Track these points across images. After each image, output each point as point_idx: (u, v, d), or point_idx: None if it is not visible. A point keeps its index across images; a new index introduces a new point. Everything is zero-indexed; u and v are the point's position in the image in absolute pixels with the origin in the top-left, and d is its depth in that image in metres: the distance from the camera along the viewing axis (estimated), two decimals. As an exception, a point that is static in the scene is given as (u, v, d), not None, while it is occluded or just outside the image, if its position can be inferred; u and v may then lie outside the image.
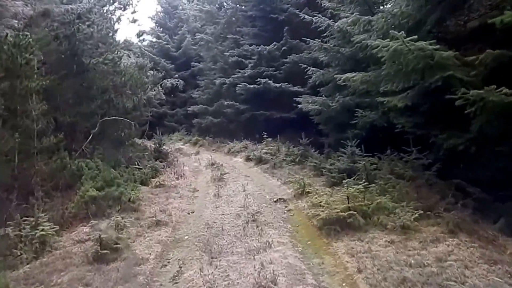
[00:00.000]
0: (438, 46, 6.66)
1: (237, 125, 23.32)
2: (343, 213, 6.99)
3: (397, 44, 6.94)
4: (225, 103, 22.47)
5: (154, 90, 20.39)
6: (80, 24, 12.48)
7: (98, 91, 13.59)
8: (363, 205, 7.12)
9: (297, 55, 20.34)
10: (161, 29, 35.95)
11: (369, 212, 7.06)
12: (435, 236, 6.11)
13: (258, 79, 20.34)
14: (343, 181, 9.39)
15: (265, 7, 21.47)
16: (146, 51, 34.36)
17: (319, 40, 14.00)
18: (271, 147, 17.15)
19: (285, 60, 20.84)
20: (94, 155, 12.43)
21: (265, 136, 18.27)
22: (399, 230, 6.40)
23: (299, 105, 19.17)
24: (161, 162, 16.10)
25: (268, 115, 20.80)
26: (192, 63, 28.81)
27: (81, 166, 10.37)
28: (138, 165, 15.22)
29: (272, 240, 7.01)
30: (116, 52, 14.18)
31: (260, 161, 16.13)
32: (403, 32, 6.79)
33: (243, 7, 23.82)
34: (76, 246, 7.54)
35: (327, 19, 13.65)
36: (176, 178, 14.10)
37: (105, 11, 14.34)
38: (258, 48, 21.27)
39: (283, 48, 21.20)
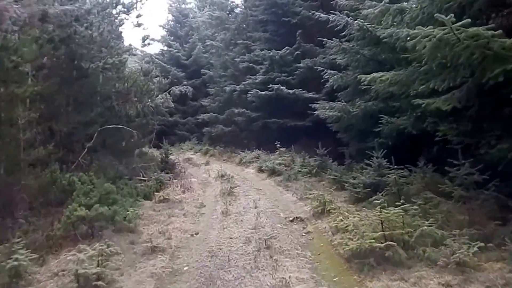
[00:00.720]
0: (497, 32, 5.15)
1: (248, 134, 21.90)
2: (379, 244, 5.44)
3: (443, 32, 5.44)
4: (236, 111, 21.09)
5: (162, 98, 19.07)
6: (77, 26, 11.17)
7: (98, 98, 12.26)
8: (403, 233, 5.56)
9: (311, 60, 18.94)
10: (172, 37, 34.80)
11: (412, 243, 5.49)
12: (503, 277, 4.57)
13: (270, 85, 18.95)
14: (371, 198, 7.97)
15: (277, 10, 20.10)
16: (156, 59, 33.30)
17: (337, 40, 12.43)
18: (285, 158, 15.68)
19: (298, 65, 19.45)
20: (91, 167, 11.05)
21: (278, 145, 16.81)
22: (454, 268, 4.84)
23: (314, 112, 17.70)
24: (167, 173, 14.73)
25: (281, 123, 19.36)
26: (202, 70, 27.53)
27: (73, 180, 8.98)
28: (143, 177, 13.89)
29: (289, 276, 5.52)
30: (118, 57, 12.84)
31: (273, 172, 14.66)
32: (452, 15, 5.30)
33: (254, 11, 22.47)
34: (53, 281, 6.12)
35: (345, 16, 12.13)
36: (182, 191, 12.68)
37: (107, 13, 12.91)
38: (270, 52, 19.89)
39: (296, 52, 19.80)
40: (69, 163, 11.10)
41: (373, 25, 11.33)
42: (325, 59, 18.38)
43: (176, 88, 20.71)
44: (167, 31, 35.57)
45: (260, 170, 15.80)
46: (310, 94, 18.79)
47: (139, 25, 15.33)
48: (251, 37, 22.47)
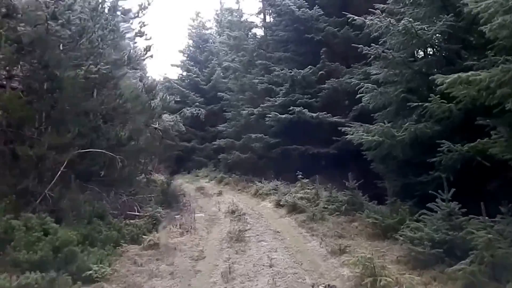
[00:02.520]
0: None
1: (266, 162, 18.83)
2: None
3: None
4: (253, 136, 18.09)
5: (172, 120, 16.30)
6: (53, 24, 8.47)
7: (79, 115, 9.46)
8: None
9: (337, 80, 15.93)
10: (192, 62, 32.40)
11: None
12: None
13: (291, 108, 15.97)
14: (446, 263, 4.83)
15: (299, 26, 17.23)
16: (175, 84, 30.89)
17: (378, 47, 9.40)
18: (308, 191, 12.54)
19: (322, 86, 16.48)
20: (61, 202, 8.14)
21: (299, 176, 13.66)
22: None
23: (340, 138, 14.79)
24: (169, 207, 11.78)
25: (303, 150, 16.25)
26: (219, 93, 24.80)
27: (10, 226, 6.03)
28: (138, 212, 10.94)
29: None
30: (109, 66, 10.09)
31: (294, 209, 11.51)
32: None
33: (275, 30, 19.72)
34: None
35: (386, 18, 9.11)
36: (180, 233, 9.65)
37: (97, 15, 10.21)
38: (291, 72, 16.97)
39: (320, 72, 16.83)
40: (37, 195, 8.24)
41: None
42: (354, 78, 15.43)
43: (187, 110, 17.94)
44: (186, 56, 33.24)
45: (279, 204, 12.66)
46: (335, 118, 15.75)
47: (141, 34, 12.62)
48: (271, 57, 19.66)
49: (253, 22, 22.06)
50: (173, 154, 30.43)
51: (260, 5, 21.86)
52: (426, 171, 8.36)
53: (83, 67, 8.91)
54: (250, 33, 22.13)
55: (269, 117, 16.73)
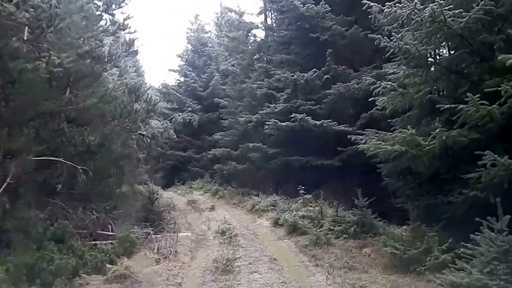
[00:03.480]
0: None
1: (265, 174, 17.24)
2: None
3: None
4: (251, 145, 16.49)
5: (161, 127, 14.76)
6: (5, 4, 6.96)
7: (39, 116, 7.92)
8: None
9: (344, 85, 14.41)
10: (189, 67, 30.91)
11: None
12: None
13: (293, 115, 14.41)
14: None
15: (303, 24, 15.70)
16: (171, 90, 29.41)
17: (398, 36, 7.82)
18: (311, 208, 10.92)
19: (327, 91, 14.93)
20: (7, 220, 6.56)
21: (301, 191, 12.04)
22: None
23: (346, 149, 13.40)
24: (150, 225, 10.15)
25: (305, 162, 14.65)
26: (216, 99, 23.21)
27: None
28: (112, 232, 9.32)
29: None
30: (81, 59, 8.57)
31: (294, 229, 9.91)
32: None
33: (276, 30, 18.24)
34: None
35: (409, 2, 7.56)
36: (157, 259, 8.03)
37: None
38: (293, 76, 15.45)
39: (326, 76, 15.30)
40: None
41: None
42: (364, 81, 13.94)
43: (179, 115, 16.38)
44: (184, 61, 31.73)
45: (277, 223, 11.04)
46: (342, 127, 14.23)
47: (124, 27, 11.09)
48: (272, 60, 18.16)
49: (254, 23, 20.53)
50: (167, 164, 28.95)
51: (261, 4, 20.43)
52: (455, 188, 6.81)
53: (43, 59, 7.36)
54: (250, 35, 20.61)
55: (269, 124, 15.17)
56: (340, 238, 8.93)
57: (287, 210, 11.50)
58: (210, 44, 31.35)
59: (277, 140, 15.92)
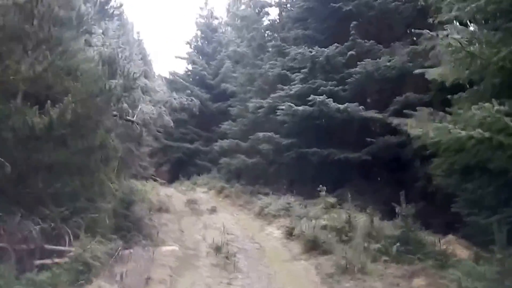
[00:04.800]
0: None
1: (277, 169, 14.50)
2: None
3: None
4: (261, 135, 13.72)
5: (153, 112, 12.15)
6: None
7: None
8: None
9: (373, 61, 11.61)
10: (198, 54, 28.24)
11: None
12: None
13: (311, 98, 11.65)
14: None
15: (324, -7, 12.92)
16: (178, 78, 26.86)
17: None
18: (335, 215, 8.11)
19: (352, 70, 12.10)
20: None
21: (322, 191, 9.25)
22: None
23: (376, 139, 10.78)
24: (122, 236, 7.53)
25: (325, 155, 11.88)
26: (223, 84, 20.48)
27: None
28: (69, 246, 6.78)
29: None
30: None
31: (314, 246, 7.19)
32: None
33: (292, 4, 15.41)
34: None
35: None
36: (114, 294, 5.44)
37: None
38: (311, 52, 12.67)
39: (350, 52, 12.51)
40: None
41: None
42: (397, 61, 11.24)
43: (175, 99, 13.70)
44: (193, 48, 29.05)
45: (290, 234, 8.31)
46: (371, 112, 11.44)
47: None
48: (286, 38, 15.38)
49: (267, 0, 17.66)
50: (173, 157, 26.37)
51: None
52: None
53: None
54: (262, 13, 17.80)
55: (282, 109, 12.42)
56: (379, 261, 6.21)
57: (303, 217, 8.79)
58: (221, 30, 28.59)
59: (292, 128, 13.16)
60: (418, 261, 6.08)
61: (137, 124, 11.82)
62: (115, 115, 11.04)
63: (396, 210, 6.86)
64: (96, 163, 8.92)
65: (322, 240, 7.11)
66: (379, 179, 12.28)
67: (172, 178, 24.61)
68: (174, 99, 14.67)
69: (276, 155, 14.16)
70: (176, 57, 30.26)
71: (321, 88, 12.14)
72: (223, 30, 28.66)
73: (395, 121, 7.10)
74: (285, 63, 14.20)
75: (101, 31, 14.13)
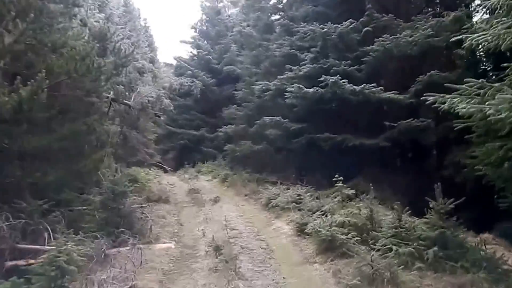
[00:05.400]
0: None
1: (286, 157, 13.33)
2: None
3: None
4: (268, 120, 12.48)
5: (152, 96, 10.97)
6: None
7: None
8: None
9: (393, 37, 10.31)
10: (203, 38, 26.88)
11: None
12: None
13: (323, 78, 10.40)
14: None
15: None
16: (182, 62, 25.62)
17: None
18: (354, 210, 6.89)
19: (368, 48, 10.81)
20: None
21: (337, 181, 7.99)
22: None
23: (397, 124, 9.67)
24: (110, 233, 6.41)
25: (339, 141, 10.68)
26: (228, 66, 19.17)
27: None
28: (47, 245, 5.73)
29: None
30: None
31: (330, 246, 6.02)
32: None
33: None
34: None
35: None
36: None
37: None
38: (323, 29, 11.37)
39: (366, 29, 11.21)
40: None
41: None
42: (419, 36, 9.96)
43: (175, 81, 12.48)
44: (198, 32, 27.67)
45: (302, 231, 7.13)
46: (389, 94, 10.19)
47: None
48: (295, 17, 14.06)
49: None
50: (178, 144, 25.24)
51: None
52: None
53: None
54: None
55: (291, 91, 11.18)
56: (412, 270, 5.03)
57: (316, 211, 7.62)
58: (226, 13, 27.15)
59: (301, 112, 11.94)
60: (463, 271, 4.92)
61: (132, 108, 10.70)
62: (110, 98, 9.95)
63: (432, 206, 5.69)
64: (83, 149, 7.84)
65: (340, 239, 5.94)
66: (398, 167, 11.07)
67: (177, 165, 23.57)
68: (176, 80, 13.47)
69: (284, 141, 12.96)
70: (181, 41, 28.83)
71: (334, 68, 10.87)
72: (229, 13, 27.23)
73: (430, 98, 5.79)
74: (293, 42, 12.92)
75: (103, 15, 13.01)
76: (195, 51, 27.01)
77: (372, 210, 6.55)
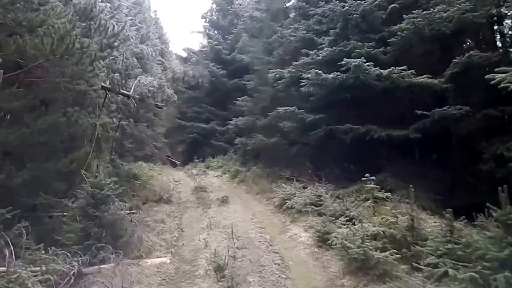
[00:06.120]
0: None
1: (301, 150, 11.86)
2: None
3: None
4: (281, 110, 11.02)
5: (153, 85, 9.66)
6: None
7: None
8: None
9: (426, 13, 8.78)
10: (214, 28, 25.50)
11: None
12: None
13: (345, 61, 8.95)
14: None
15: None
16: (192, 54, 24.34)
17: None
18: (390, 218, 5.46)
19: (396, 27, 9.28)
20: None
21: (368, 180, 6.49)
22: None
23: (430, 112, 8.27)
24: (88, 247, 5.13)
25: (362, 133, 9.17)
26: (238, 55, 17.74)
27: None
28: (6, 265, 4.43)
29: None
30: None
31: (363, 266, 4.60)
32: None
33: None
34: None
35: None
36: None
37: None
38: (343, 7, 9.88)
39: (391, 5, 9.65)
40: None
41: None
42: (455, 11, 8.45)
43: (178, 69, 11.13)
44: (208, 22, 26.28)
45: (324, 241, 5.75)
46: (420, 78, 8.66)
47: None
48: (310, 0, 12.57)
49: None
50: (188, 138, 24.00)
51: None
52: None
53: None
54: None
55: (307, 79, 9.73)
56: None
57: (339, 215, 6.22)
58: (237, 2, 25.62)
59: (319, 102, 10.49)
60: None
61: (133, 98, 9.40)
62: (101, 86, 8.66)
63: (494, 215, 4.27)
64: (67, 146, 6.56)
65: (375, 257, 4.56)
66: (428, 161, 9.55)
67: (187, 159, 22.37)
68: (178, 69, 12.14)
69: (300, 133, 11.52)
70: (191, 32, 27.53)
71: (356, 51, 9.36)
72: (240, 2, 25.71)
73: (497, 76, 4.35)
74: (310, 26, 11.45)
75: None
76: (205, 42, 25.68)
77: (413, 218, 5.13)
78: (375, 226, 5.20)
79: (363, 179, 6.47)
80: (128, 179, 10.99)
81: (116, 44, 6.71)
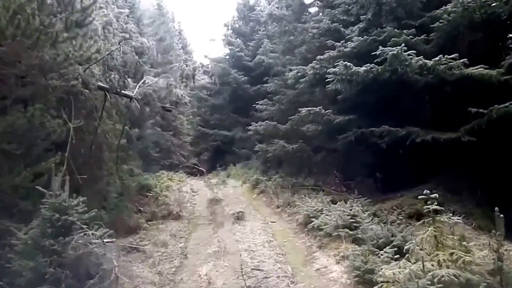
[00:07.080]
0: None
1: (326, 157, 10.07)
2: None
3: None
4: (304, 111, 9.24)
5: (164, 85, 8.18)
6: None
7: None
8: None
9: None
10: (235, 35, 24.11)
11: None
12: None
13: (380, 51, 7.19)
14: None
15: None
16: (214, 62, 23.02)
17: None
18: (460, 252, 3.65)
19: (438, 11, 7.46)
20: None
21: (429, 199, 4.57)
22: None
23: (487, 110, 6.23)
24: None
25: (402, 136, 7.32)
26: (258, 57, 16.14)
27: None
28: None
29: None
30: None
31: None
32: None
33: None
34: None
35: None
36: None
37: None
38: (375, -10, 8.12)
39: (433, -12, 7.84)
40: None
41: None
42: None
43: (187, 66, 9.61)
44: (231, 29, 24.90)
45: (366, 283, 3.98)
46: (471, 69, 6.80)
47: None
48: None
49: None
50: (211, 146, 22.61)
51: None
52: None
53: None
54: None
55: (334, 74, 7.98)
56: None
57: (386, 244, 4.43)
58: (259, 8, 24.09)
59: (348, 101, 8.72)
60: None
61: (136, 99, 7.91)
62: (104, 88, 7.21)
63: None
64: (28, 154, 5.03)
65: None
66: (481, 169, 7.58)
67: (211, 168, 21.06)
68: (186, 65, 10.67)
69: (326, 138, 9.76)
70: (210, 39, 26.30)
71: (393, 39, 7.55)
72: (262, 8, 24.20)
73: None
74: (335, 16, 9.73)
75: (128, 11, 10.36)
76: (227, 50, 24.32)
77: (499, 251, 3.32)
78: (442, 267, 3.41)
79: (413, 193, 4.66)
80: (140, 191, 9.58)
81: (87, 21, 5.14)
